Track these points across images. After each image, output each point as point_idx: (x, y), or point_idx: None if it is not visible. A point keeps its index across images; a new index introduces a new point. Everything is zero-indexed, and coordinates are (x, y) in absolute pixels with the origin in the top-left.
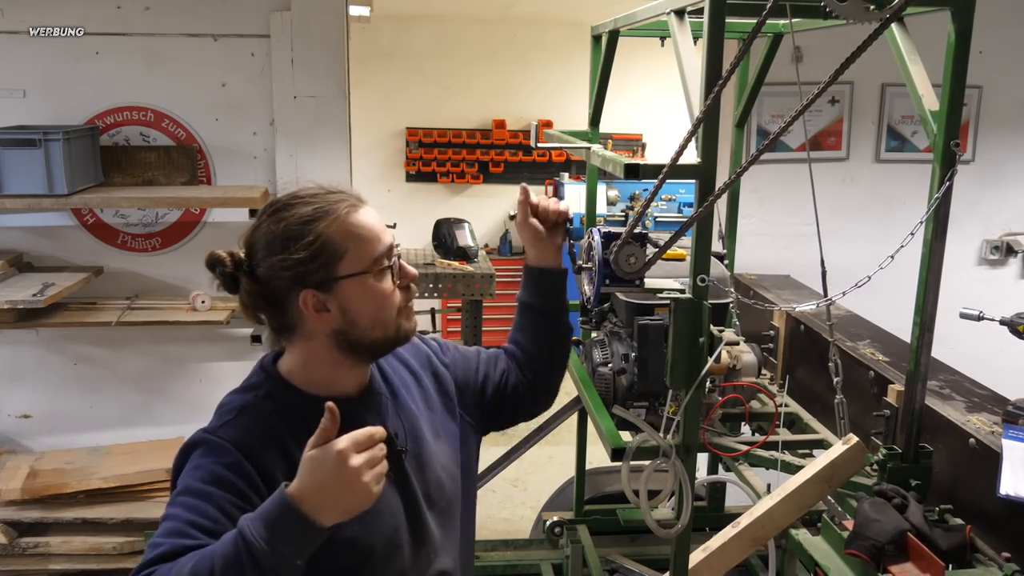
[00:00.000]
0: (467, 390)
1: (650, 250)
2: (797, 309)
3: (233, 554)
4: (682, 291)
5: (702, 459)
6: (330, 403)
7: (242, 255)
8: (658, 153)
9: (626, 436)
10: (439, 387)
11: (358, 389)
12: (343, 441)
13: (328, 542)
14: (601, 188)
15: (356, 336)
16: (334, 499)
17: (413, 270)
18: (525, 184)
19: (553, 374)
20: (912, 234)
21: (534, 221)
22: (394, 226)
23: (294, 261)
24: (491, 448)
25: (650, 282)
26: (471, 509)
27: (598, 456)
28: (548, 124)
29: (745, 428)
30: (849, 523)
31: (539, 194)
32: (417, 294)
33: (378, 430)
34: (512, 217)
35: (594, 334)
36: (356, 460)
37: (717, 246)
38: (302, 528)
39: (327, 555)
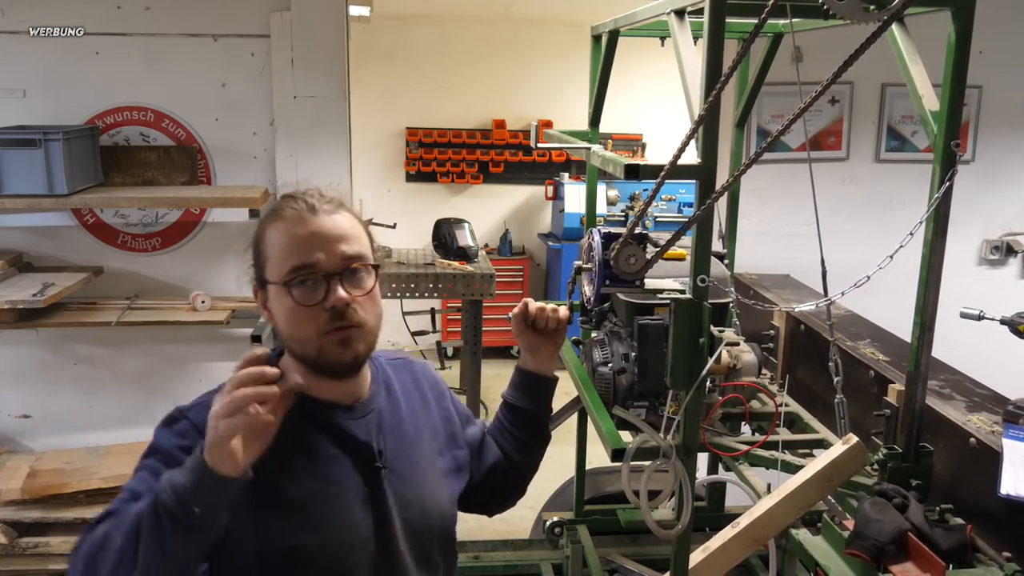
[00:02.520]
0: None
1: (650, 250)
2: (797, 309)
3: (149, 508)
4: (682, 291)
5: (702, 459)
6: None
7: None
8: (658, 153)
9: (626, 436)
10: (447, 427)
11: (348, 398)
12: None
13: (264, 553)
14: (601, 188)
15: (288, 346)
16: (211, 442)
17: (342, 295)
18: (528, 300)
19: (527, 477)
20: (912, 234)
21: (530, 333)
22: (394, 226)
23: (250, 254)
24: None
25: (650, 282)
26: (452, 553)
27: (598, 456)
28: (548, 124)
29: (745, 428)
30: (849, 523)
31: (538, 302)
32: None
33: (263, 371)
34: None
35: (594, 334)
36: (215, 411)
37: (717, 246)
38: (201, 471)
39: (265, 566)
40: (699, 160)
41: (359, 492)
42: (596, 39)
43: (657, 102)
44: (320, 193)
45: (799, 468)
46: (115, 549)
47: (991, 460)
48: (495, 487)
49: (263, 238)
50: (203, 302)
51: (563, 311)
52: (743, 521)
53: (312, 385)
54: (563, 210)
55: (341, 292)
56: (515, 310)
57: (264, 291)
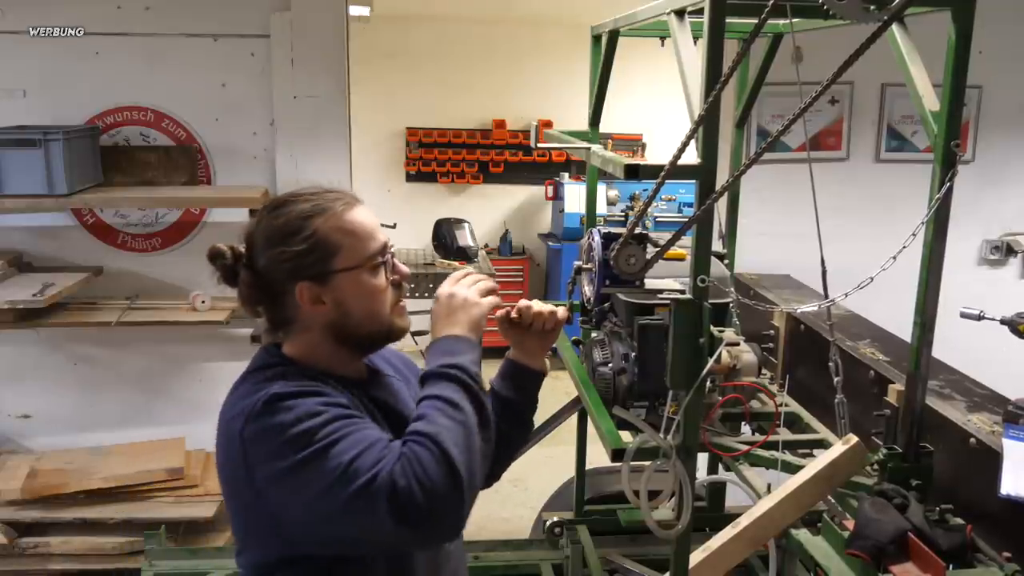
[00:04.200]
0: None
1: (650, 250)
2: (798, 310)
3: (458, 386)
4: (682, 291)
5: (702, 459)
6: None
7: (242, 249)
8: (658, 153)
9: (626, 436)
10: None
11: (363, 376)
12: (450, 285)
13: None
14: (601, 188)
15: (351, 329)
16: (468, 318)
17: (405, 268)
18: (523, 303)
19: (504, 466)
20: (914, 235)
21: (517, 330)
22: (394, 226)
23: (292, 254)
24: None
25: (650, 282)
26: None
27: (598, 456)
28: (548, 124)
29: (745, 428)
30: (849, 523)
31: (534, 304)
32: (408, 293)
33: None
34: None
35: (594, 334)
36: (465, 287)
37: (717, 246)
38: (471, 343)
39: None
40: (699, 160)
41: None
42: (596, 39)
43: (657, 102)
44: (342, 188)
45: (799, 468)
46: (465, 431)
47: (991, 460)
48: None
49: (322, 232)
50: (203, 302)
51: (561, 312)
52: (743, 521)
53: (339, 364)
54: (563, 210)
55: (403, 267)
56: (499, 313)
57: (322, 284)
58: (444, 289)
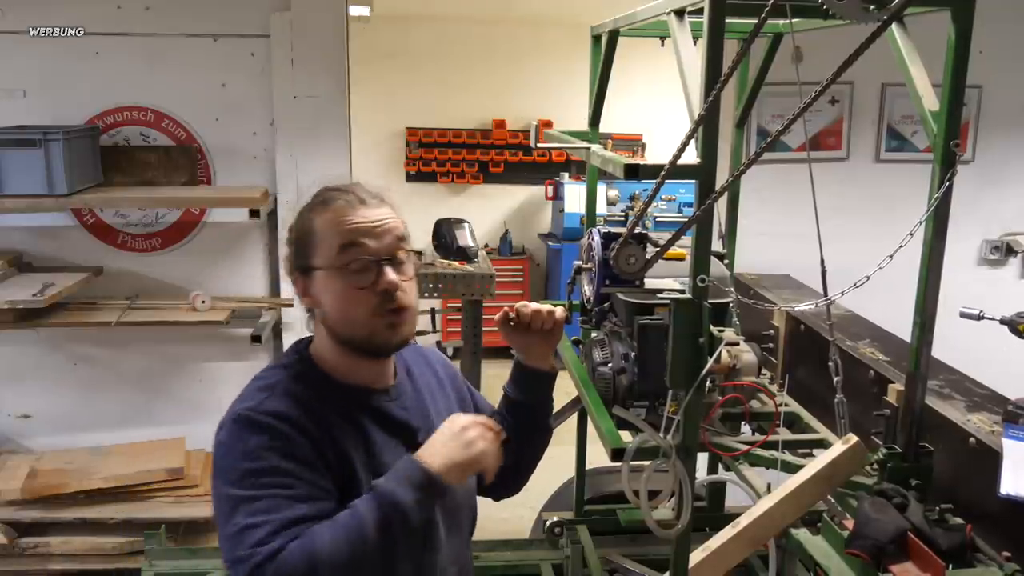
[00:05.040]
0: None
1: (650, 250)
2: (797, 309)
3: (380, 516)
4: (682, 291)
5: (702, 459)
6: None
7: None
8: (658, 153)
9: (626, 436)
10: (462, 407)
11: (381, 382)
12: (463, 418)
13: None
14: (601, 188)
15: (335, 330)
16: (451, 457)
17: (392, 278)
18: (523, 304)
19: (531, 466)
20: (912, 234)
21: (518, 333)
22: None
23: (289, 241)
24: None
25: (650, 282)
26: (474, 520)
27: (598, 456)
28: (548, 124)
29: (745, 428)
30: (849, 522)
31: (532, 304)
32: (406, 303)
33: (492, 423)
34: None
35: (594, 334)
36: (474, 431)
37: (717, 246)
38: (433, 485)
39: None
40: (699, 160)
41: None
42: (596, 39)
43: (657, 102)
44: (363, 187)
45: (799, 468)
46: (351, 564)
47: (991, 460)
48: (500, 471)
49: (310, 226)
50: (203, 302)
51: (559, 311)
52: (743, 521)
53: (348, 369)
54: (563, 210)
55: (391, 275)
56: (498, 315)
57: (307, 278)
58: (464, 419)
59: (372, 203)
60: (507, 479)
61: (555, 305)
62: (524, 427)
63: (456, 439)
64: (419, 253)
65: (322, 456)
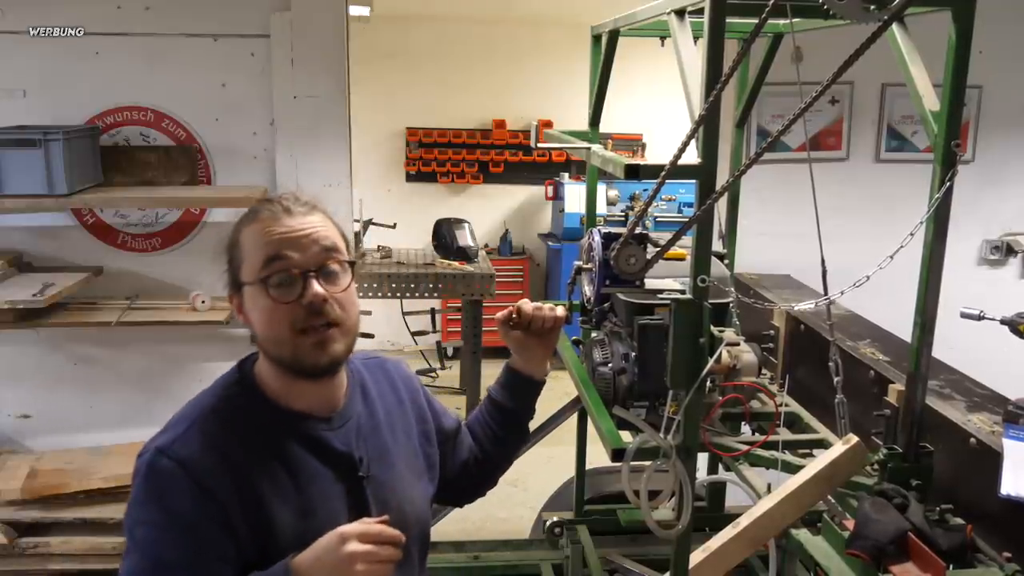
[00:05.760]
0: (443, 446)
1: (650, 250)
2: (797, 308)
3: None
4: (682, 291)
5: (702, 459)
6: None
7: None
8: (658, 153)
9: (626, 436)
10: (421, 427)
11: (326, 407)
12: (352, 526)
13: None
14: (601, 188)
15: (264, 348)
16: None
17: (317, 290)
18: (524, 302)
19: (501, 471)
20: (912, 235)
21: (516, 333)
22: (394, 226)
23: (225, 258)
24: None
25: (650, 282)
26: (426, 546)
27: (598, 456)
28: (548, 124)
29: (745, 428)
30: (849, 523)
31: (532, 303)
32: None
33: (393, 534)
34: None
35: (594, 334)
36: (354, 547)
37: (717, 246)
38: None
39: None
40: (699, 160)
41: (343, 503)
42: (596, 39)
43: (657, 102)
44: (295, 196)
45: (799, 468)
46: None
47: (991, 460)
48: (467, 481)
49: (238, 241)
50: (203, 302)
51: (560, 310)
52: (743, 521)
53: (289, 392)
54: (563, 210)
55: (317, 288)
56: (500, 314)
57: (239, 294)
58: (352, 547)
59: (299, 211)
60: (477, 484)
61: (555, 304)
62: (503, 431)
63: (337, 571)
64: (352, 263)
65: (223, 511)
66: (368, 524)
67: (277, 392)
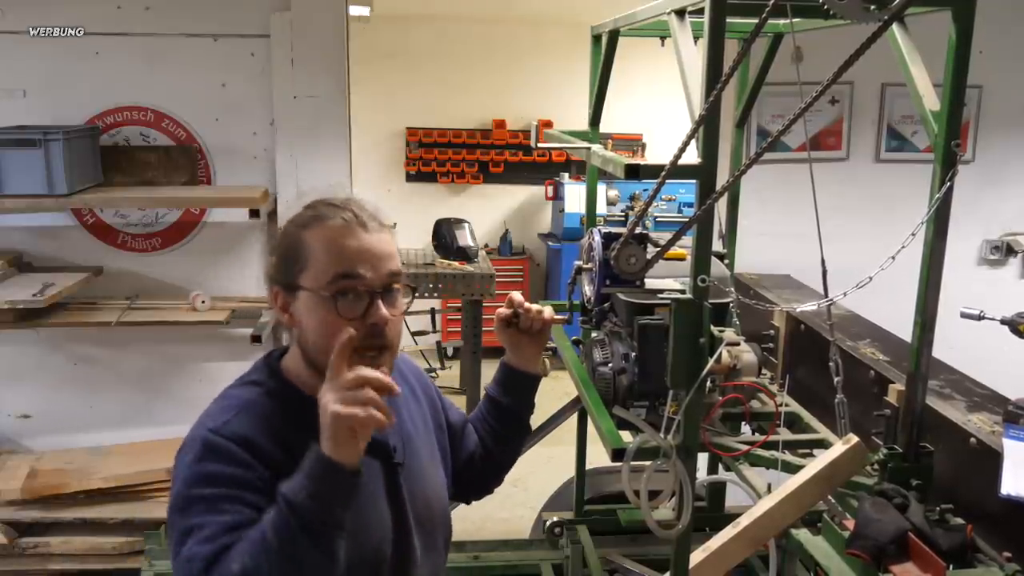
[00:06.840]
0: (451, 439)
1: (650, 250)
2: (798, 309)
3: (278, 519)
4: (682, 291)
5: (702, 459)
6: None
7: None
8: (658, 153)
9: (626, 436)
10: (435, 417)
11: None
12: (326, 385)
13: None
14: (601, 188)
15: (311, 354)
16: (334, 436)
17: (384, 313)
18: (513, 294)
19: (507, 467)
20: (913, 235)
21: (511, 331)
22: (394, 226)
23: (275, 252)
24: None
25: (650, 282)
26: (449, 537)
27: (598, 456)
28: (548, 124)
29: (745, 428)
30: (850, 523)
31: (523, 302)
32: (390, 341)
33: (372, 374)
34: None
35: (594, 334)
36: (334, 408)
37: (717, 246)
38: (331, 472)
39: None
40: (699, 160)
41: (381, 489)
42: (596, 39)
43: (657, 102)
44: (361, 206)
45: (799, 468)
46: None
47: (991, 460)
48: (473, 476)
49: (302, 242)
50: (203, 302)
51: (547, 311)
52: (743, 521)
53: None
54: (563, 210)
55: (383, 311)
56: (500, 311)
57: (290, 294)
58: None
59: (372, 227)
60: (484, 480)
61: (544, 305)
62: (505, 427)
63: (337, 432)
64: (413, 289)
65: (277, 481)
66: (341, 379)
67: (312, 387)
